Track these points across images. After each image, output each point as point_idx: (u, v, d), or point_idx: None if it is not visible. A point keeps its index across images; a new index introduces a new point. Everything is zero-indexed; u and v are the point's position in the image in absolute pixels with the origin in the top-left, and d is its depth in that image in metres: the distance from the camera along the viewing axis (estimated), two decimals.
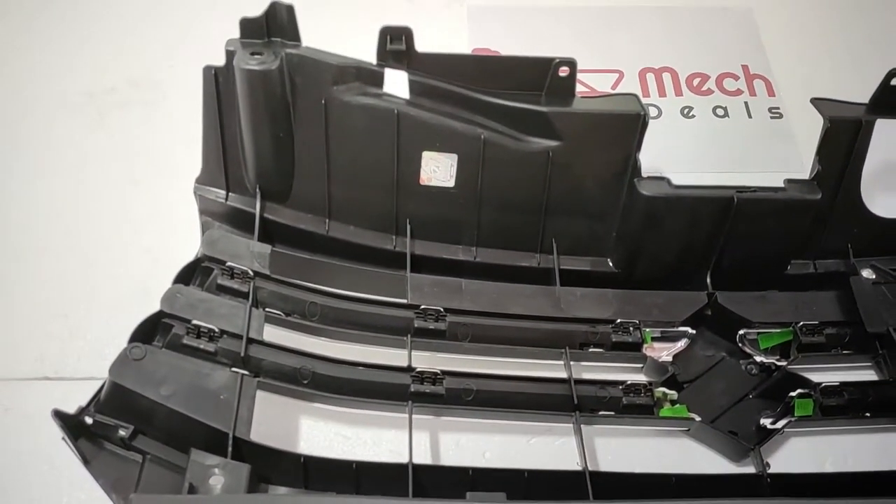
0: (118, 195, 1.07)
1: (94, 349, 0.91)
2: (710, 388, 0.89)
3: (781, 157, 1.13)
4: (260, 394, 0.81)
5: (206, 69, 0.82)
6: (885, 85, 0.88)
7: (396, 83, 0.84)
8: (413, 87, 0.85)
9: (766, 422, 0.85)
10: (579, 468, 0.77)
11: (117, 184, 1.08)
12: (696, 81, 1.21)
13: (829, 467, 0.85)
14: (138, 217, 1.04)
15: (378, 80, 0.84)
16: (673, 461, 0.85)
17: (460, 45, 1.25)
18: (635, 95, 0.88)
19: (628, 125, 0.85)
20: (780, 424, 0.84)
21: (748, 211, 0.88)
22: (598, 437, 0.87)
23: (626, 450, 0.86)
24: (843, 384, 0.87)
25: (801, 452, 0.87)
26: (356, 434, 0.86)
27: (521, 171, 0.88)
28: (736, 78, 1.21)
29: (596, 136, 0.86)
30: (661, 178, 0.88)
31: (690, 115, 1.17)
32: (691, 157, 1.14)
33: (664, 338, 0.91)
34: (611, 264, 0.94)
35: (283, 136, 0.85)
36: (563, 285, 0.93)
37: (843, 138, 0.88)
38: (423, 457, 0.84)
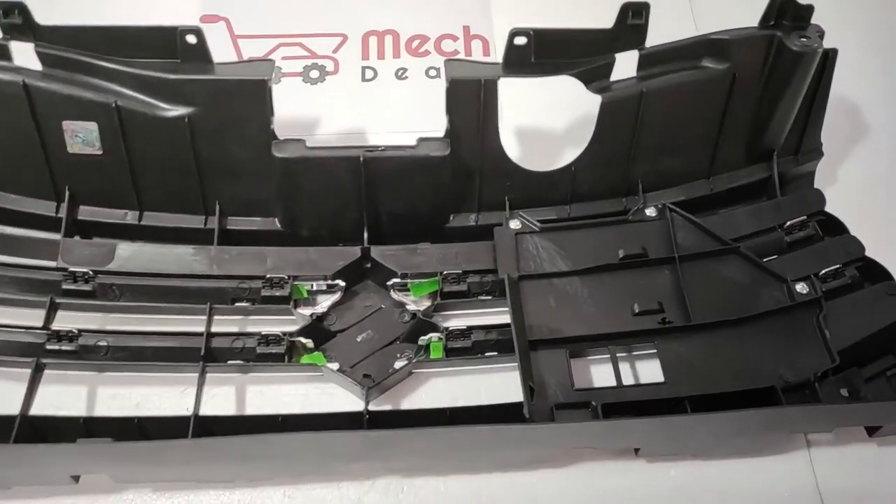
0: None
1: None
2: (362, 336, 0.95)
3: None
4: None
5: None
6: (509, 44, 0.93)
7: (25, 56, 0.88)
8: (45, 59, 0.88)
9: (397, 364, 0.93)
10: (188, 413, 0.84)
11: None
12: (415, 43, 1.25)
13: (461, 402, 0.92)
14: None
15: (5, 53, 0.88)
16: (314, 404, 0.91)
17: (189, 12, 1.26)
18: (271, 62, 0.92)
19: (255, 91, 0.89)
20: (398, 365, 0.91)
21: (379, 169, 0.94)
22: (252, 384, 0.93)
23: (274, 394, 0.92)
24: (470, 327, 0.93)
25: (439, 391, 0.94)
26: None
27: (164, 136, 0.92)
28: (455, 39, 1.25)
29: (228, 102, 0.90)
30: (298, 140, 0.93)
31: (404, 76, 1.21)
32: (403, 118, 1.18)
33: (319, 290, 0.97)
34: (278, 223, 1.00)
35: None
36: (235, 245, 0.98)
37: (470, 97, 0.92)
38: (75, 410, 0.90)
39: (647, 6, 0.90)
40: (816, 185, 1.11)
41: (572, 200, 1.02)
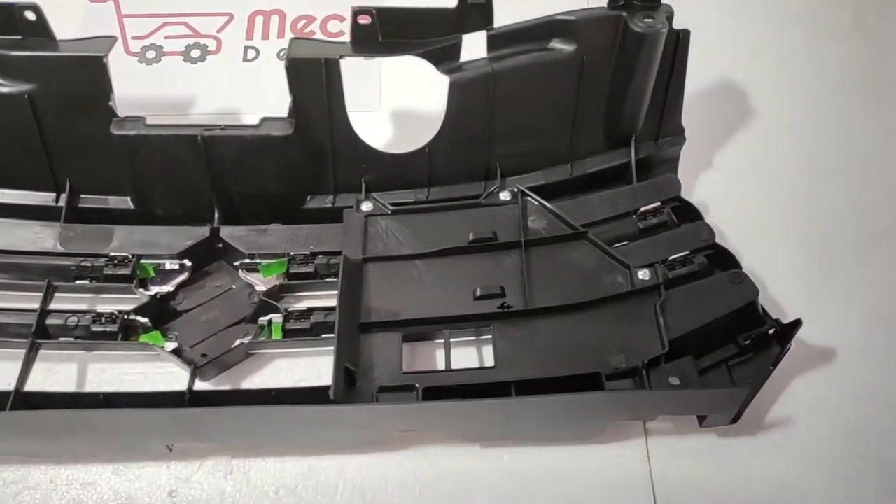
0: None
1: None
2: (208, 316, 0.95)
3: (364, 97, 1.15)
4: None
5: None
6: (353, 23, 0.91)
7: None
8: None
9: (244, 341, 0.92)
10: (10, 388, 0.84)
11: None
12: (301, 24, 1.24)
13: (302, 384, 0.92)
14: None
15: None
16: (152, 383, 0.91)
17: None
18: (112, 38, 0.92)
19: (92, 67, 0.88)
20: (236, 344, 0.90)
21: (221, 148, 0.93)
22: (94, 363, 0.93)
23: (114, 372, 0.92)
24: (310, 309, 0.93)
25: (280, 372, 0.94)
26: None
27: (8, 113, 0.91)
28: (342, 20, 1.23)
29: (67, 79, 0.89)
30: (138, 118, 0.92)
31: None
32: (280, 100, 1.17)
33: (171, 270, 0.96)
34: (130, 203, 0.99)
35: None
36: (88, 223, 0.99)
37: (312, 76, 0.91)
38: None
39: None
40: (691, 170, 1.09)
41: (431, 184, 1.01)
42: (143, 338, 0.92)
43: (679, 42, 0.93)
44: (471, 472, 0.88)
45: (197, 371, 0.88)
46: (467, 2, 0.89)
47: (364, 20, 0.90)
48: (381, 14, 0.90)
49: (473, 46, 0.96)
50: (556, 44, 0.93)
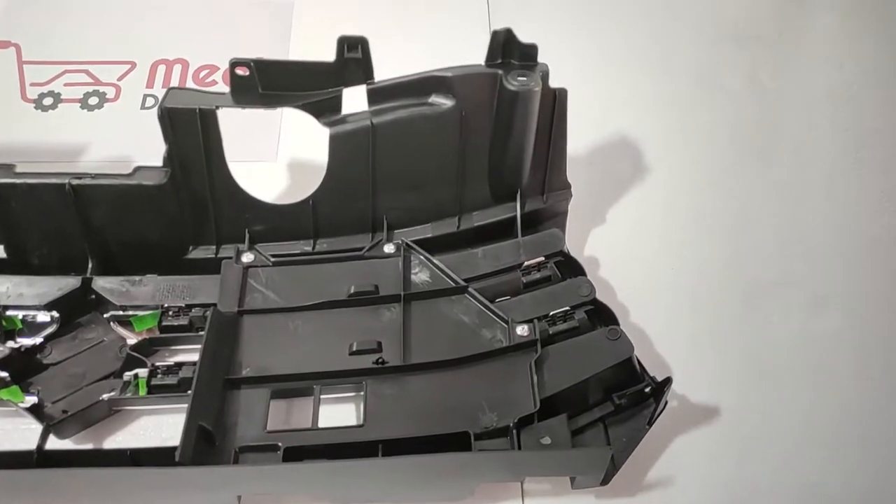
0: None
1: None
2: (75, 370, 0.91)
3: (260, 148, 1.15)
4: None
5: None
6: (232, 74, 0.91)
7: None
8: None
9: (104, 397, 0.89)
10: None
11: None
12: (203, 73, 1.23)
13: (169, 442, 0.88)
14: None
15: None
16: (14, 440, 0.87)
17: None
18: None
19: None
20: (96, 400, 0.86)
21: (91, 197, 0.91)
22: None
23: None
24: (178, 363, 0.90)
25: (148, 430, 0.90)
26: None
27: None
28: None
29: None
30: (7, 165, 0.90)
31: None
32: None
33: (37, 322, 0.92)
34: (3, 251, 0.97)
35: None
36: None
37: (187, 126, 0.89)
38: None
39: (363, 40, 0.89)
40: (584, 225, 1.10)
41: (318, 235, 1.00)
42: (3, 393, 0.88)
43: (556, 100, 0.95)
44: None
45: (52, 428, 0.85)
46: (344, 56, 0.90)
47: (242, 71, 0.91)
48: (260, 66, 0.90)
49: (359, 100, 0.98)
50: (436, 98, 0.93)
